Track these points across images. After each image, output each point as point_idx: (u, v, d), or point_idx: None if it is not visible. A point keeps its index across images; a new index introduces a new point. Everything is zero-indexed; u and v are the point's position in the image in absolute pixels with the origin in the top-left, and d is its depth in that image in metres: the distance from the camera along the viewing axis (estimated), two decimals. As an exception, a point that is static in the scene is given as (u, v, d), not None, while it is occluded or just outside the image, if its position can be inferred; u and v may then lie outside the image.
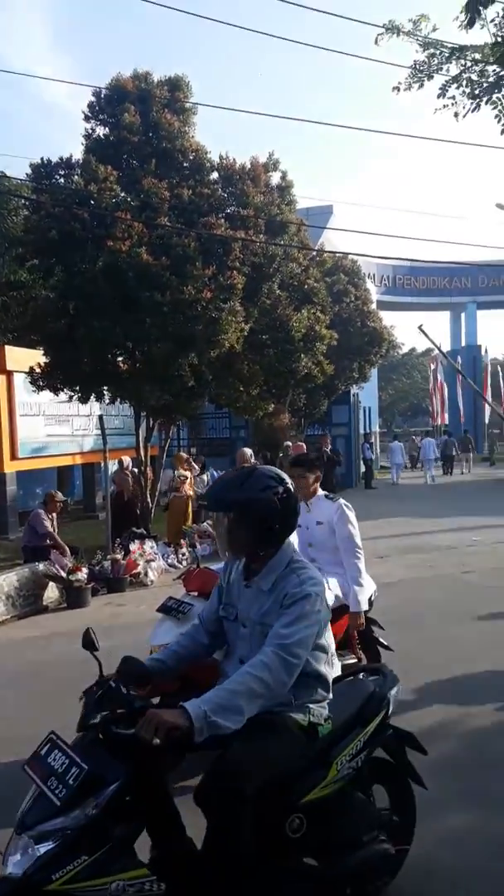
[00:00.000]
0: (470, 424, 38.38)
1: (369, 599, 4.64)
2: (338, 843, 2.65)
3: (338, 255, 20.56)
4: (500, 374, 41.53)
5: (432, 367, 39.80)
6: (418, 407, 58.94)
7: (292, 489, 2.64)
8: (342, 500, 4.67)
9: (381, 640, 4.85)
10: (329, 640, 2.72)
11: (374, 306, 23.39)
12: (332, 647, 2.82)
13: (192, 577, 4.77)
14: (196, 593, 4.54)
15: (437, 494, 21.30)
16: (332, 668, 2.72)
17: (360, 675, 3.15)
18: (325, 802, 2.57)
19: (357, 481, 25.01)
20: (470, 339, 42.23)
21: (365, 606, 4.51)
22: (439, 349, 30.65)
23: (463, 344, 43.10)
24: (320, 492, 4.76)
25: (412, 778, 3.01)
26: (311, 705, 2.60)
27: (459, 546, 11.81)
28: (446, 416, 38.71)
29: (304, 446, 14.11)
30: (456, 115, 5.29)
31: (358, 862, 2.67)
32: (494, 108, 5.25)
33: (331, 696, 2.69)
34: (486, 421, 39.19)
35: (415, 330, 36.68)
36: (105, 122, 12.00)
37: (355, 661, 4.50)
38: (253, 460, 13.12)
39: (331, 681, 2.69)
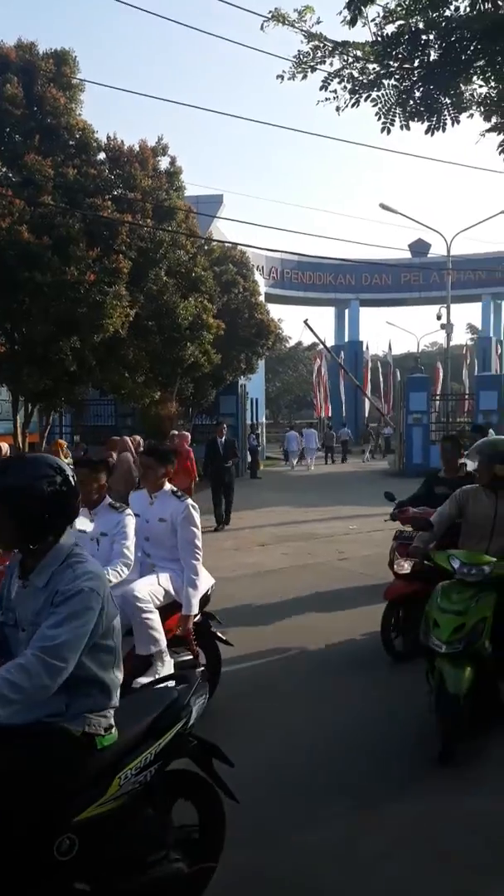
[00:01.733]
0: (351, 418, 39.67)
1: (206, 594, 4.56)
2: (116, 865, 2.42)
3: (226, 244, 20.63)
4: (380, 369, 43.15)
5: (317, 361, 40.77)
6: (303, 400, 60.17)
7: (73, 481, 2.44)
8: (190, 501, 4.44)
9: (219, 634, 4.67)
10: (117, 640, 2.54)
11: (262, 298, 23.66)
12: (117, 649, 2.56)
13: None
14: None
15: (318, 484, 21.81)
16: (118, 672, 2.54)
17: (168, 683, 2.98)
18: (104, 820, 2.33)
19: (243, 471, 25.27)
20: (352, 334, 43.58)
21: (195, 609, 4.32)
22: (323, 344, 31.43)
23: (346, 339, 44.41)
24: (168, 487, 4.55)
25: (222, 790, 2.81)
26: (88, 714, 2.40)
27: (337, 534, 12.16)
28: (329, 408, 39.76)
29: (189, 436, 14.13)
30: (338, 108, 5.43)
31: (138, 885, 2.45)
32: (374, 105, 5.42)
33: (115, 702, 2.49)
34: (366, 415, 40.59)
35: (301, 324, 37.51)
36: (-15, 91, 11.47)
37: (191, 657, 4.37)
38: (141, 448, 12.98)
39: (115, 686, 2.49)
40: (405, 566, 5.40)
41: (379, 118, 5.44)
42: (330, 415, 39.47)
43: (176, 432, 16.62)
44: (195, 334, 14.28)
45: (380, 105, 5.40)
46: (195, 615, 4.36)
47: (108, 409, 22.35)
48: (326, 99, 5.39)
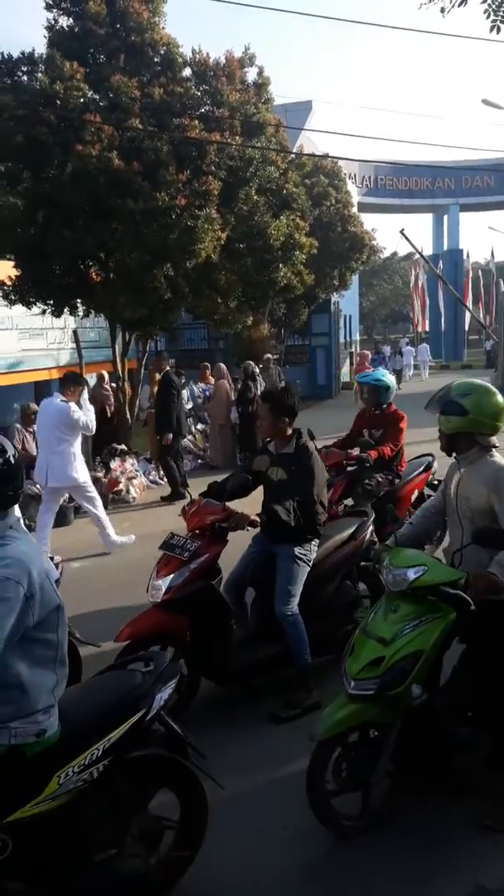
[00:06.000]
0: (450, 331, 38.19)
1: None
2: (58, 865, 2.31)
3: (317, 157, 19.77)
4: (481, 278, 41.10)
5: (414, 272, 39.19)
6: (399, 313, 58.38)
7: (13, 461, 2.32)
8: None
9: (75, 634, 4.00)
10: (62, 635, 2.34)
11: (355, 210, 22.75)
12: (60, 643, 2.36)
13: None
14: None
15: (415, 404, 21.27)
16: (61, 669, 2.38)
17: (136, 664, 2.80)
18: (42, 820, 2.23)
19: (337, 391, 24.95)
20: (452, 242, 41.41)
21: None
22: (420, 254, 30.01)
23: (445, 248, 42.30)
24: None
25: (204, 775, 2.69)
26: (11, 724, 2.22)
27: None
28: (427, 322, 38.43)
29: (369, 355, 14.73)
30: (442, 10, 4.96)
31: (87, 884, 2.35)
32: (483, 1, 4.93)
33: (53, 702, 2.32)
34: (466, 327, 38.98)
35: (396, 233, 35.92)
36: (68, 11, 11.19)
37: None
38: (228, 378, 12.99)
39: (51, 685, 2.32)
40: (161, 587, 3.96)
41: (488, 16, 4.95)
42: (427, 329, 38.23)
43: (270, 355, 16.55)
44: (287, 255, 13.90)
45: (490, 1, 4.90)
46: None
47: (200, 332, 22.48)
48: (430, 0, 4.94)
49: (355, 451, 5.92)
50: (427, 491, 6.57)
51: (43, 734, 2.26)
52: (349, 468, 5.96)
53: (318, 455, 4.41)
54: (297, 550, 4.15)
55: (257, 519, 4.12)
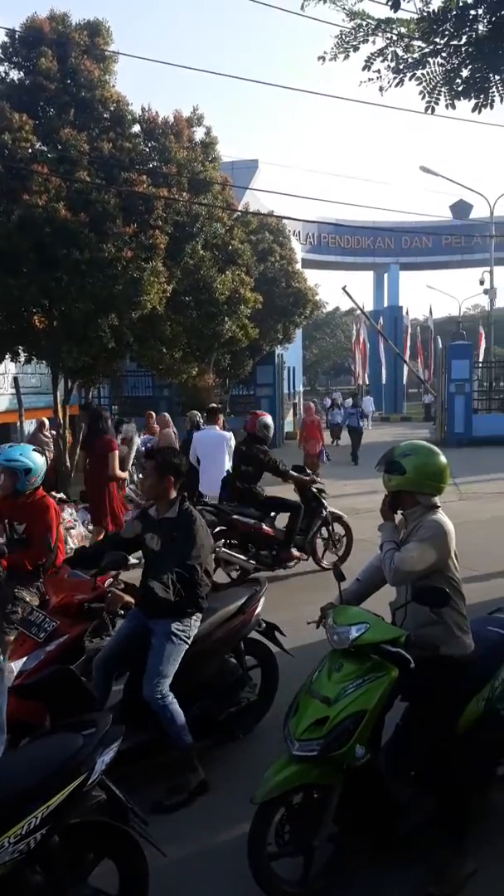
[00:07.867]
0: (390, 384, 39.18)
1: None
2: None
3: (263, 215, 20.31)
4: (420, 335, 42.46)
5: (355, 327, 40.24)
6: (341, 366, 59.69)
7: None
8: None
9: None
10: (1, 702, 2.23)
11: (299, 266, 23.32)
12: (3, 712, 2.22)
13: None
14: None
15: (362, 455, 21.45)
16: None
17: (73, 726, 2.63)
18: None
19: (281, 441, 25.13)
20: (392, 299, 42.82)
21: None
22: (361, 310, 30.95)
23: (385, 304, 43.67)
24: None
25: (145, 840, 2.57)
26: None
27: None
28: (368, 376, 39.34)
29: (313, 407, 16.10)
30: (381, 89, 5.22)
31: None
32: (419, 83, 5.21)
33: None
34: (405, 381, 40.08)
35: (339, 289, 36.91)
36: (19, 65, 11.37)
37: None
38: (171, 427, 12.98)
39: None
40: (13, 671, 3.63)
41: (423, 97, 5.23)
42: (368, 382, 39.10)
43: (215, 404, 16.62)
44: (232, 309, 14.14)
45: (425, 83, 5.19)
46: None
47: (145, 380, 22.48)
48: (369, 79, 5.19)
49: None
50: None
51: None
52: None
53: (204, 521, 4.04)
54: (174, 627, 3.76)
55: (132, 601, 3.83)
